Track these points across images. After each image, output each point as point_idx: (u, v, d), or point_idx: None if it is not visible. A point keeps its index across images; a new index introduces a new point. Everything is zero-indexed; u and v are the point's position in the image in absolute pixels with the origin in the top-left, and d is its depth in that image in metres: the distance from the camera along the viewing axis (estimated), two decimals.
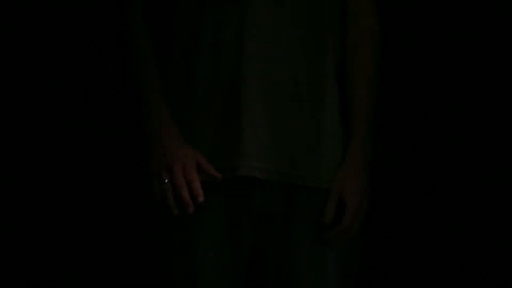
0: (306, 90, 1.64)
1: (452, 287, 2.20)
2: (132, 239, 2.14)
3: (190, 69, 1.63)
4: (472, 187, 2.20)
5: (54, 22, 2.18)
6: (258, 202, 1.63)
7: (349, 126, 1.68)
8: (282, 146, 1.61)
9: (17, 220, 2.19)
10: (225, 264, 1.64)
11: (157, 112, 1.62)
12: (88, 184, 2.20)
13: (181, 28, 1.66)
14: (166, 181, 1.56)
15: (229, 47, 1.61)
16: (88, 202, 2.20)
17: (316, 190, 1.63)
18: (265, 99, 1.60)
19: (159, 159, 1.58)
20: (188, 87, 1.64)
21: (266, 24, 1.62)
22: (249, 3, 1.61)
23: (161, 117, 1.62)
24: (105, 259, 2.19)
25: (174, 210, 1.55)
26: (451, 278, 2.21)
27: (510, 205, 2.18)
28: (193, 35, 1.64)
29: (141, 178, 1.72)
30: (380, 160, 1.87)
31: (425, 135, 2.24)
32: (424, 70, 2.24)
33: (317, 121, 1.64)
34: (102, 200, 2.19)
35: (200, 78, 1.63)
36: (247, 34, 1.60)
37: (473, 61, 2.21)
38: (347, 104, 1.70)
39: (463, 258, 2.20)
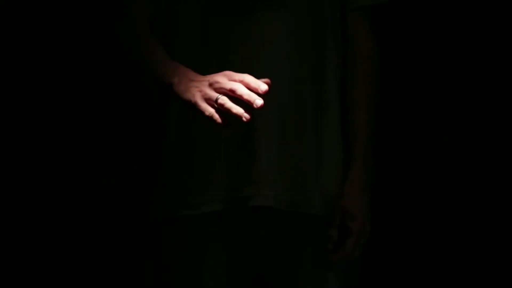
0: (312, 115, 1.64)
1: None
2: (134, 265, 2.11)
3: None
4: (472, 188, 2.20)
5: (55, 22, 2.18)
6: (263, 230, 1.62)
7: (349, 146, 1.69)
8: (290, 173, 1.60)
9: (17, 220, 2.18)
10: None
11: (172, 63, 1.53)
12: (89, 195, 2.18)
13: (184, 55, 1.61)
14: (217, 95, 1.39)
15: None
16: (90, 217, 2.18)
17: (319, 216, 1.64)
18: (277, 126, 1.59)
19: (201, 85, 1.42)
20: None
21: (275, 50, 1.59)
22: (254, 28, 1.59)
23: (179, 65, 1.52)
24: (107, 281, 2.18)
25: (239, 109, 1.37)
26: (451, 280, 2.21)
27: (510, 205, 2.18)
28: (198, 60, 1.60)
29: (143, 197, 1.69)
30: (380, 161, 1.86)
31: (424, 137, 2.24)
32: (424, 71, 2.24)
33: (321, 147, 1.65)
34: (104, 217, 2.18)
35: None
36: (255, 63, 1.58)
37: (472, 63, 2.21)
38: (347, 125, 1.70)
39: (462, 260, 2.20)
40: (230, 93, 1.38)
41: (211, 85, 1.41)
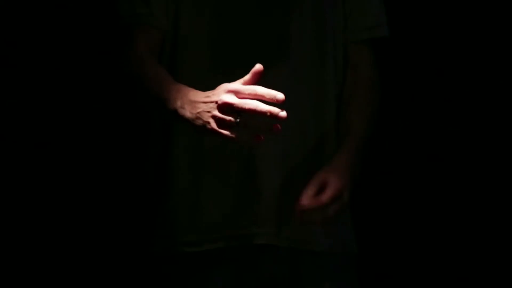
0: (313, 151, 1.64)
1: None
2: None
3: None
4: (472, 188, 2.21)
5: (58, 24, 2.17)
6: (266, 266, 1.62)
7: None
8: (293, 211, 1.57)
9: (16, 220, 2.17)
10: None
11: (174, 86, 1.48)
12: (91, 230, 2.16)
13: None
14: (235, 119, 1.31)
15: None
16: (91, 251, 2.15)
17: (322, 252, 1.64)
18: (280, 163, 1.60)
19: (210, 109, 1.34)
20: (197, 153, 1.61)
21: (279, 83, 1.51)
22: (259, 59, 1.53)
23: (180, 87, 1.47)
24: None
25: (266, 125, 1.30)
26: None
27: (510, 205, 2.19)
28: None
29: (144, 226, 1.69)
30: (380, 162, 1.87)
31: (424, 139, 2.25)
32: (424, 73, 2.26)
33: None
34: (105, 250, 2.15)
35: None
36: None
37: (470, 66, 2.23)
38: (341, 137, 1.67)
39: (461, 263, 2.21)
40: (249, 112, 1.29)
41: (221, 107, 1.32)
